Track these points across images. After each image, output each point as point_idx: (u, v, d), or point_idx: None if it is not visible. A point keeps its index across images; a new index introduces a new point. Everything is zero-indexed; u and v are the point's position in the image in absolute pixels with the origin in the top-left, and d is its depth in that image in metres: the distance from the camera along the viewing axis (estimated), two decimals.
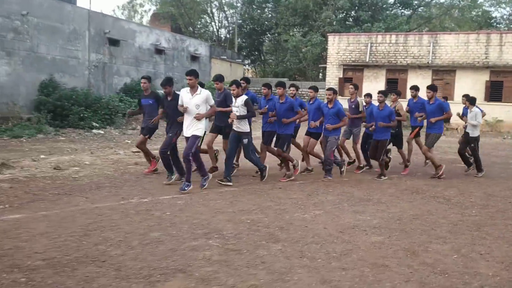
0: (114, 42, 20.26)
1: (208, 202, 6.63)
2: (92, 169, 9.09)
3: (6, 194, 6.63)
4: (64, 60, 17.66)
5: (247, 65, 37.44)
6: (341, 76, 28.91)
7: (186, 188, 7.20)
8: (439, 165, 9.50)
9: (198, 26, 41.76)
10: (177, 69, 24.76)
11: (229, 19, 42.01)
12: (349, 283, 3.82)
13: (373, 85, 27.87)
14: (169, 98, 7.88)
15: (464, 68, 25.64)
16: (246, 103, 7.84)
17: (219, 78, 8.53)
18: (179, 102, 7.45)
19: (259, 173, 8.58)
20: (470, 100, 10.07)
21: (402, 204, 6.89)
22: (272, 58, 45.59)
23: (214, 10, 42.27)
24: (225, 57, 30.70)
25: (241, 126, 7.95)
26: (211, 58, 28.71)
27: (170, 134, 7.87)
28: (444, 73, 26.65)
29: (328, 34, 29.96)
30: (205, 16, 42.21)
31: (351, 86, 10.53)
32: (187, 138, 7.41)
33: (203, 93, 7.30)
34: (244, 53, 39.18)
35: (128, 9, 42.73)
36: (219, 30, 43.72)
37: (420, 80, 26.54)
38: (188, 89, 7.38)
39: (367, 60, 28.10)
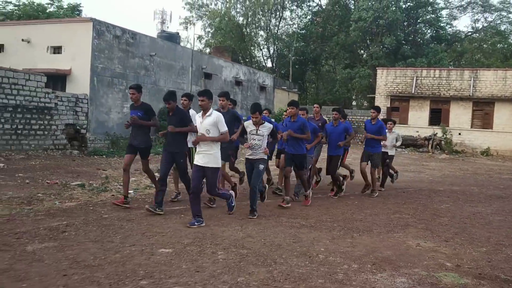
0: (208, 76, 24.10)
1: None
2: None
3: None
4: (176, 91, 21.45)
5: (299, 94, 40.79)
6: (389, 105, 32.17)
7: (196, 224, 6.22)
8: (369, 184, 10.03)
9: (253, 58, 45.73)
10: (250, 98, 28.47)
11: (278, 51, 45.80)
12: None
13: (418, 114, 31.15)
14: (170, 114, 7.09)
15: (502, 101, 28.60)
16: (272, 132, 7.40)
17: (224, 94, 7.87)
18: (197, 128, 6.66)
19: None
20: (393, 122, 11.34)
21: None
22: (313, 87, 49.32)
23: (262, 42, 46.27)
24: (285, 87, 34.43)
25: (257, 154, 7.27)
26: (274, 88, 32.43)
27: (182, 160, 7.06)
28: (483, 104, 29.64)
29: (377, 68, 33.37)
30: (255, 48, 46.27)
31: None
32: (196, 166, 6.43)
33: (214, 115, 6.35)
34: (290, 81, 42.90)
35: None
36: (267, 60, 47.75)
37: (462, 111, 29.76)
38: (201, 113, 6.56)
39: (413, 91, 31.30)
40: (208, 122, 6.33)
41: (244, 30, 41.26)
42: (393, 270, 4.73)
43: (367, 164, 9.84)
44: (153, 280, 4.09)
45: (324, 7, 42.93)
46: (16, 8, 30.81)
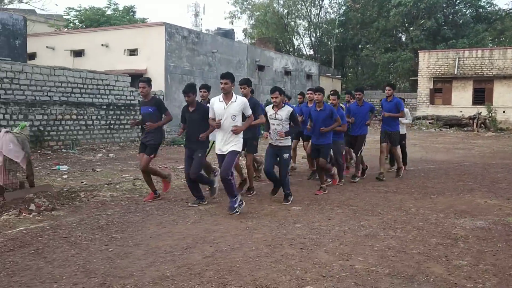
0: (261, 68, 25.74)
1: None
2: None
3: None
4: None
5: (343, 79, 41.89)
6: (432, 87, 32.98)
7: (236, 205, 6.10)
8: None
9: (294, 46, 47.05)
10: (298, 86, 29.95)
11: (318, 39, 46.87)
12: None
13: (461, 94, 31.87)
14: (191, 109, 6.66)
15: None
16: (291, 116, 6.83)
17: (246, 82, 7.34)
18: (210, 115, 6.29)
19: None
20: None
21: None
22: (352, 72, 50.25)
23: (303, 31, 47.45)
24: (329, 74, 35.70)
25: (281, 141, 6.85)
26: (320, 76, 33.78)
27: (200, 154, 6.60)
28: None
29: (419, 51, 34.13)
30: (295, 37, 47.52)
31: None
32: (220, 156, 6.22)
33: (239, 100, 6.09)
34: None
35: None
36: (307, 48, 48.95)
37: (505, 89, 30.32)
38: (220, 97, 6.16)
39: (455, 72, 31.99)
40: (234, 108, 6.05)
41: (285, 20, 42.59)
42: (471, 217, 6.26)
43: (388, 144, 9.48)
44: (303, 224, 5.78)
45: None
46: (78, 13, 33.19)
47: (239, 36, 47.50)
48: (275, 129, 6.85)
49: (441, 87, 32.85)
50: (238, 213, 6.06)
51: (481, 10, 40.60)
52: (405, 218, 6.15)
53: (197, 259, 4.42)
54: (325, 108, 7.74)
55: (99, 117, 15.84)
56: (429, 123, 29.85)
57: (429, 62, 33.15)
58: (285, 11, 43.68)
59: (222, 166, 6.09)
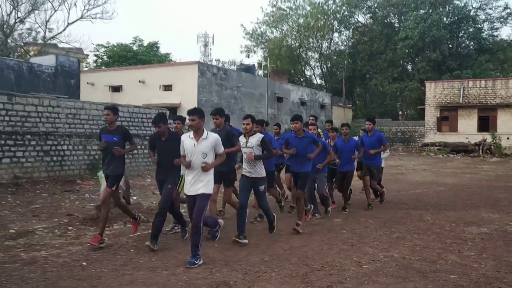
0: (279, 99, 27.75)
1: None
2: None
3: None
4: (256, 115, 25.17)
5: (353, 108, 43.85)
6: (438, 115, 34.79)
7: (196, 262, 5.50)
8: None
9: (305, 77, 49.30)
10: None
11: (328, 69, 49.11)
12: None
13: (467, 122, 33.67)
14: (163, 139, 6.50)
15: None
16: (262, 142, 6.60)
17: (218, 112, 7.09)
18: (181, 152, 5.92)
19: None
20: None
21: None
22: (361, 101, 52.27)
23: (314, 62, 49.73)
24: (341, 104, 37.68)
25: (255, 170, 6.63)
26: (332, 105, 35.74)
27: (169, 186, 6.39)
28: None
29: (425, 81, 36.10)
30: (306, 68, 49.82)
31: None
32: (189, 197, 5.80)
33: (211, 138, 5.76)
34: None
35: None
36: (317, 78, 51.20)
37: (509, 117, 32.06)
38: (191, 133, 5.81)
39: (461, 101, 33.83)
40: (204, 145, 5.67)
41: (297, 52, 44.93)
42: (477, 226, 7.94)
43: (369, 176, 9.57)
44: (347, 230, 7.48)
45: (369, 26, 46.07)
46: (106, 49, 35.67)
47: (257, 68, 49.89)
48: (248, 152, 6.61)
49: (448, 115, 34.66)
50: (196, 265, 5.44)
51: (483, 42, 42.73)
52: (425, 227, 7.84)
53: (281, 251, 6.17)
54: (306, 136, 7.55)
55: (142, 146, 17.72)
56: (437, 149, 31.52)
57: (435, 92, 35.05)
58: (297, 43, 46.05)
59: (194, 213, 5.62)
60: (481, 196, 11.76)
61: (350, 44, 47.38)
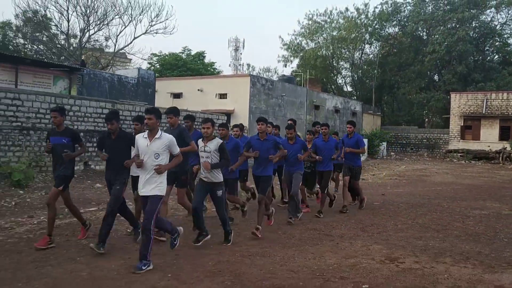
0: (316, 107, 30.74)
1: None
2: None
3: None
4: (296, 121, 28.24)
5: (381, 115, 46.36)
6: (462, 124, 37.16)
7: (144, 268, 5.32)
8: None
9: (336, 85, 52.12)
10: (344, 122, 34.71)
11: (359, 78, 51.76)
12: None
13: (489, 131, 35.93)
14: (113, 137, 6.26)
15: None
16: (220, 149, 6.43)
17: (172, 111, 6.89)
18: (135, 151, 5.79)
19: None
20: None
21: None
22: (388, 109, 54.72)
23: (345, 71, 52.48)
24: (371, 111, 40.41)
25: (212, 175, 6.47)
26: (363, 113, 38.52)
27: (118, 187, 6.13)
28: None
29: (451, 92, 38.50)
30: (338, 77, 52.61)
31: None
32: (143, 198, 5.65)
33: (165, 138, 5.57)
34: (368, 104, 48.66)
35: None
36: (348, 86, 53.89)
37: None
38: (146, 133, 5.66)
39: (484, 112, 36.11)
40: (157, 145, 5.52)
41: (330, 62, 47.85)
42: (480, 210, 10.78)
43: (349, 176, 9.97)
44: (369, 222, 10.47)
45: (399, 39, 48.54)
46: (159, 58, 39.33)
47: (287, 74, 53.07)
48: (203, 162, 6.42)
49: (471, 124, 36.98)
50: (143, 271, 5.29)
51: (508, 55, 44.78)
52: (441, 209, 10.77)
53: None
54: (268, 139, 7.55)
55: None
56: (460, 155, 33.94)
57: (460, 102, 37.41)
58: (329, 53, 48.87)
59: (145, 215, 5.50)
60: (490, 193, 14.52)
61: (380, 55, 49.91)
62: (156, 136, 5.53)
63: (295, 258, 6.13)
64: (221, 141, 6.56)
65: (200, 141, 6.60)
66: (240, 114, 24.12)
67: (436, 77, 48.27)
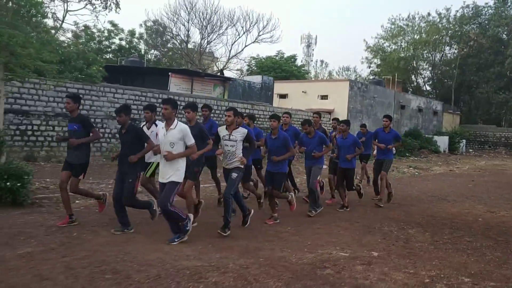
0: (402, 107, 33.93)
1: None
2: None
3: None
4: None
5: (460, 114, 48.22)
6: None
7: (176, 240, 5.69)
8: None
9: (413, 84, 54.38)
10: (427, 121, 37.51)
11: (437, 78, 53.62)
12: None
13: None
14: (123, 131, 6.24)
15: None
16: (247, 138, 6.54)
17: (190, 105, 6.71)
18: (158, 141, 6.04)
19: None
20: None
21: None
22: (466, 108, 56.02)
23: (424, 71, 54.50)
24: (451, 111, 42.71)
25: (232, 161, 6.52)
26: (443, 112, 40.98)
27: (130, 180, 6.06)
28: None
29: None
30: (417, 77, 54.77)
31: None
32: (161, 184, 5.78)
33: (179, 128, 5.70)
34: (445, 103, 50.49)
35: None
36: (425, 85, 55.83)
37: None
38: (164, 123, 5.88)
39: None
40: (172, 135, 5.71)
41: (411, 64, 50.33)
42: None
43: (382, 171, 9.62)
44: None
45: (479, 41, 49.87)
46: (256, 61, 44.02)
47: (371, 76, 56.21)
48: (228, 150, 6.50)
49: None
50: (176, 242, 5.67)
51: None
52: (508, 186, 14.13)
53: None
54: (279, 136, 7.36)
55: None
56: None
57: None
58: (409, 54, 51.20)
59: (161, 197, 5.75)
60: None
61: (459, 56, 51.51)
62: (171, 127, 5.74)
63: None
64: (246, 130, 6.62)
65: (223, 129, 6.62)
66: (341, 113, 28.02)
67: None
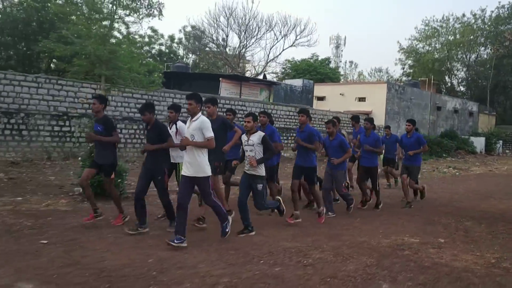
0: (438, 108, 34.24)
1: None
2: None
3: None
4: (419, 121, 32.01)
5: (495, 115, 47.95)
6: None
7: (176, 242, 5.47)
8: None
9: (447, 85, 54.22)
10: (462, 121, 37.60)
11: (472, 79, 53.32)
12: None
13: None
14: (149, 128, 6.40)
15: None
16: (263, 141, 6.39)
17: (210, 100, 6.85)
18: (177, 140, 6.22)
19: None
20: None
21: None
22: (500, 107, 55.38)
23: (458, 72, 54.24)
24: (486, 112, 42.59)
25: (254, 169, 6.41)
26: (479, 113, 40.94)
27: (159, 177, 6.26)
28: None
29: None
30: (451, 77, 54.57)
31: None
32: (184, 177, 5.74)
33: (199, 120, 5.72)
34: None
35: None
36: (459, 86, 55.52)
37: None
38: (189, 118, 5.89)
39: None
40: (193, 126, 5.73)
41: (446, 65, 50.30)
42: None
43: (407, 176, 9.52)
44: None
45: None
46: (292, 64, 44.94)
47: (404, 78, 56.30)
48: (248, 155, 6.47)
49: None
50: (175, 244, 5.47)
51: None
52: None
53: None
54: (305, 130, 7.55)
55: None
56: None
57: None
58: (443, 55, 51.13)
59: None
60: None
61: (494, 57, 51.09)
62: (193, 119, 5.76)
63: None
64: (263, 133, 6.55)
65: (244, 136, 6.65)
66: (378, 115, 28.65)
67: None
